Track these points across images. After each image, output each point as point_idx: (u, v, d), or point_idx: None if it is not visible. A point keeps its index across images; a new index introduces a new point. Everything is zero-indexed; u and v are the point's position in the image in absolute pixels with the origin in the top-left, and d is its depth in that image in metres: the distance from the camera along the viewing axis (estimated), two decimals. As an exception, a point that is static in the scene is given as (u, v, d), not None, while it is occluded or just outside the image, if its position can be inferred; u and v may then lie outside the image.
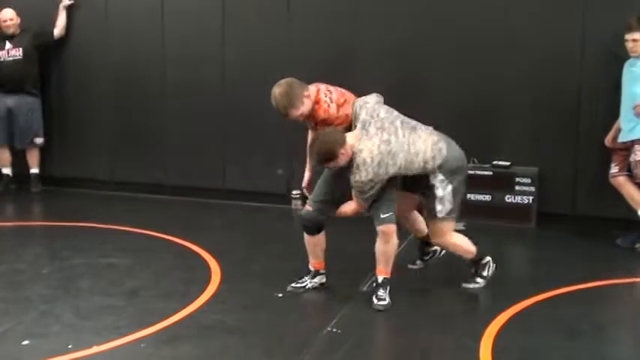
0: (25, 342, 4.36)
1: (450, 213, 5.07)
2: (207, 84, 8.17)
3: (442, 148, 4.96)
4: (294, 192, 7.87)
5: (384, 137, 4.82)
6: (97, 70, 8.62)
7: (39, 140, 8.67)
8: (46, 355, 4.19)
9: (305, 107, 4.97)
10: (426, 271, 5.74)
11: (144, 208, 7.98)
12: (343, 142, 4.78)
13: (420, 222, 5.53)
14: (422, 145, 4.91)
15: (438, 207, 5.03)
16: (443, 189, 4.99)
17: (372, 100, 5.08)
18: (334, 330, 4.62)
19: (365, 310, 4.97)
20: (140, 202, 8.17)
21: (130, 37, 8.45)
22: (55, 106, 8.85)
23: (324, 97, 5.03)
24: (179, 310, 4.90)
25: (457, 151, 5.09)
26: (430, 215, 5.14)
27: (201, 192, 8.19)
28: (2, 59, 8.54)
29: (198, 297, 5.18)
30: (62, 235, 6.97)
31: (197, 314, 4.91)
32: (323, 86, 5.11)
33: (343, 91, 5.15)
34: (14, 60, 8.53)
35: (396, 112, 5.04)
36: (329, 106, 5.01)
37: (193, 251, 6.23)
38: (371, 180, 4.79)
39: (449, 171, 4.99)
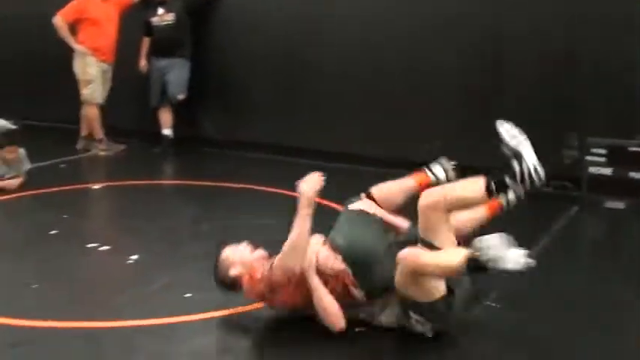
0: (188, 294, 4.46)
1: None
2: (369, 49, 8.12)
3: None
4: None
5: None
6: (251, 34, 8.73)
7: (180, 96, 8.84)
8: (209, 309, 4.28)
9: None
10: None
11: (299, 171, 8.02)
12: None
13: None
14: None
15: None
16: None
17: None
18: (493, 304, 4.51)
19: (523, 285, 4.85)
20: (294, 166, 8.22)
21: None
22: (209, 70, 9.04)
23: None
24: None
25: None
26: None
27: (356, 159, 8.16)
28: (155, 24, 8.79)
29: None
30: (219, 196, 7.14)
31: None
32: None
33: None
34: (167, 25, 8.77)
35: None
36: None
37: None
38: None
39: None
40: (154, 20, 8.83)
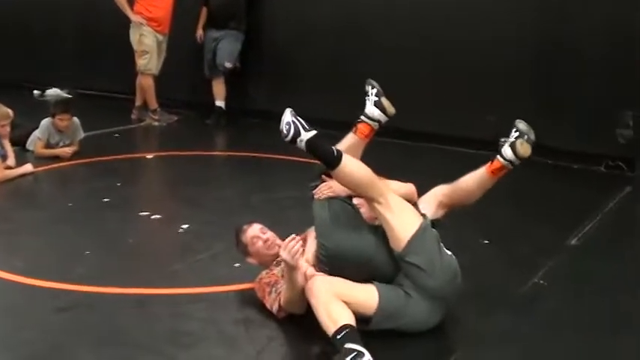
0: (237, 264, 4.52)
1: None
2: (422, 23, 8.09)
3: None
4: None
5: None
6: (306, 8, 8.75)
7: (228, 64, 8.89)
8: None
9: None
10: None
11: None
12: None
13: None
14: None
15: None
16: None
17: None
18: (541, 282, 4.50)
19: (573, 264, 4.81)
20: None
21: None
22: (263, 43, 9.11)
23: None
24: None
25: None
26: None
27: (409, 135, 8.12)
28: None
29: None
30: (270, 168, 7.20)
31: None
32: None
33: None
34: None
35: None
36: None
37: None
38: None
39: None
40: (212, -9, 8.92)
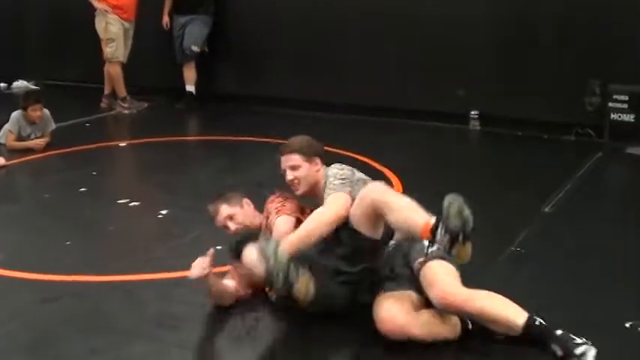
0: (219, 247, 4.54)
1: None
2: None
3: None
4: (472, 112, 7.76)
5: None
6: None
7: (194, 48, 8.88)
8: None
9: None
10: None
11: (320, 125, 8.08)
12: (323, 158, 4.08)
13: None
14: None
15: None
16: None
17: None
18: (518, 249, 4.59)
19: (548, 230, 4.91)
20: (320, 121, 8.27)
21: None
22: (230, 26, 9.10)
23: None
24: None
25: None
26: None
27: (383, 112, 8.17)
28: None
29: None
30: (242, 150, 7.22)
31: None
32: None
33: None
34: None
35: None
36: None
37: (377, 169, 6.19)
38: (342, 174, 3.89)
39: None
40: (175, -23, 8.88)
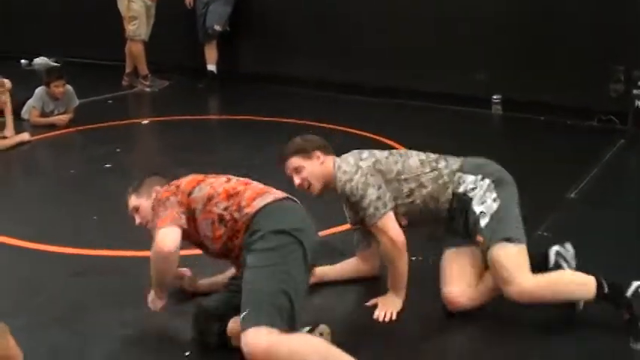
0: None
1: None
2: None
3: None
4: (495, 97, 7.75)
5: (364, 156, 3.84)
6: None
7: (217, 27, 8.88)
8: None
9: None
10: None
11: (344, 107, 8.11)
12: (326, 149, 3.89)
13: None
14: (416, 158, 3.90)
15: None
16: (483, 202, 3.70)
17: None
18: (544, 234, 4.59)
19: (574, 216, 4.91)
20: (341, 102, 8.29)
21: None
22: (252, 6, 9.10)
23: None
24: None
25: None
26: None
27: (400, 94, 8.17)
28: None
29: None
30: (264, 129, 7.21)
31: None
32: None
33: None
34: None
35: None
36: None
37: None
38: (358, 169, 3.72)
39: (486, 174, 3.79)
40: (198, -44, 8.89)
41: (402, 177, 3.77)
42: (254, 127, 7.37)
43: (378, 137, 6.58)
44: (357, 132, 6.85)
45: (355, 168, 3.72)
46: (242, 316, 3.10)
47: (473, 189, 3.74)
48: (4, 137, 6.74)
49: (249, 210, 3.37)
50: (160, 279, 3.52)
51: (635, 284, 3.47)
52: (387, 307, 3.72)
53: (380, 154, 3.86)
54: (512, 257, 3.55)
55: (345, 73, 8.51)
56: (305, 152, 3.83)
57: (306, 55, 8.79)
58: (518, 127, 7.33)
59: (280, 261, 3.20)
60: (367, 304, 3.80)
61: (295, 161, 3.82)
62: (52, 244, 4.50)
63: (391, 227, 3.68)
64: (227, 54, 9.08)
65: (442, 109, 7.79)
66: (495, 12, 7.65)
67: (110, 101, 8.58)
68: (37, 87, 7.40)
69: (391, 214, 3.70)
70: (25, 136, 6.80)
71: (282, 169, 3.89)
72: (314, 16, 8.77)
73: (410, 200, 3.77)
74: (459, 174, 3.80)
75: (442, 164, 3.87)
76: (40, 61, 10.53)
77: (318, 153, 3.83)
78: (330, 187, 3.83)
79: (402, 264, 3.71)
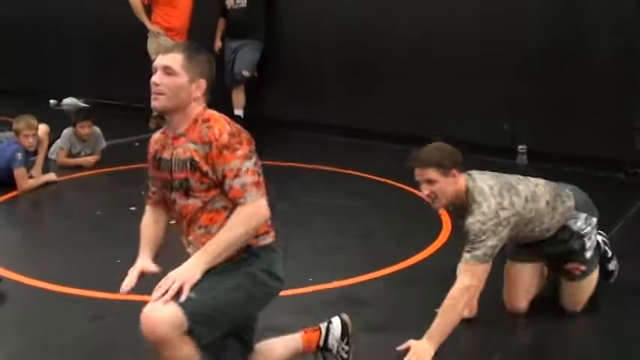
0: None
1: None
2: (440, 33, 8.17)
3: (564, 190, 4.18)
4: (520, 147, 7.73)
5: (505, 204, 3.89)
6: (322, 17, 8.85)
7: (245, 73, 8.95)
8: (289, 287, 4.36)
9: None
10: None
11: (368, 153, 8.11)
12: (461, 165, 3.93)
13: None
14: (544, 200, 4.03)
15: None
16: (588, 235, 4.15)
17: None
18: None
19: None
20: (369, 149, 8.28)
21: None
22: (281, 52, 9.18)
23: None
24: (413, 255, 5.00)
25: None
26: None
27: (425, 142, 8.14)
28: (229, 7, 8.95)
29: (431, 244, 5.25)
30: (290, 175, 7.23)
31: (431, 260, 4.99)
32: None
33: None
34: (239, 8, 8.91)
35: None
36: None
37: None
38: (495, 217, 3.79)
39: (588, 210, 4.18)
40: (228, 3, 8.98)
41: (530, 225, 3.97)
42: (281, 173, 7.37)
43: (404, 186, 6.57)
44: (386, 180, 6.83)
45: (493, 214, 3.78)
46: (185, 296, 3.06)
47: (586, 227, 4.10)
48: (31, 177, 6.80)
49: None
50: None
51: None
52: (419, 356, 3.64)
53: (519, 204, 3.89)
54: (593, 285, 4.20)
55: (371, 120, 8.54)
56: (443, 168, 3.83)
57: (333, 101, 8.84)
58: (543, 178, 7.26)
59: (260, 297, 3.19)
60: (399, 348, 3.74)
61: (431, 174, 3.84)
62: (73, 287, 4.52)
63: (478, 278, 3.74)
64: (254, 99, 9.14)
65: (467, 158, 7.70)
66: (520, 63, 7.67)
67: (137, 143, 8.62)
68: (65, 128, 7.46)
69: (488, 267, 3.77)
70: (51, 177, 6.86)
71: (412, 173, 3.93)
72: (341, 60, 8.82)
73: (525, 232, 4.02)
74: (574, 212, 4.08)
75: (558, 202, 4.05)
76: (69, 101, 10.63)
77: (454, 171, 3.85)
78: (455, 201, 3.91)
79: (456, 315, 3.71)
